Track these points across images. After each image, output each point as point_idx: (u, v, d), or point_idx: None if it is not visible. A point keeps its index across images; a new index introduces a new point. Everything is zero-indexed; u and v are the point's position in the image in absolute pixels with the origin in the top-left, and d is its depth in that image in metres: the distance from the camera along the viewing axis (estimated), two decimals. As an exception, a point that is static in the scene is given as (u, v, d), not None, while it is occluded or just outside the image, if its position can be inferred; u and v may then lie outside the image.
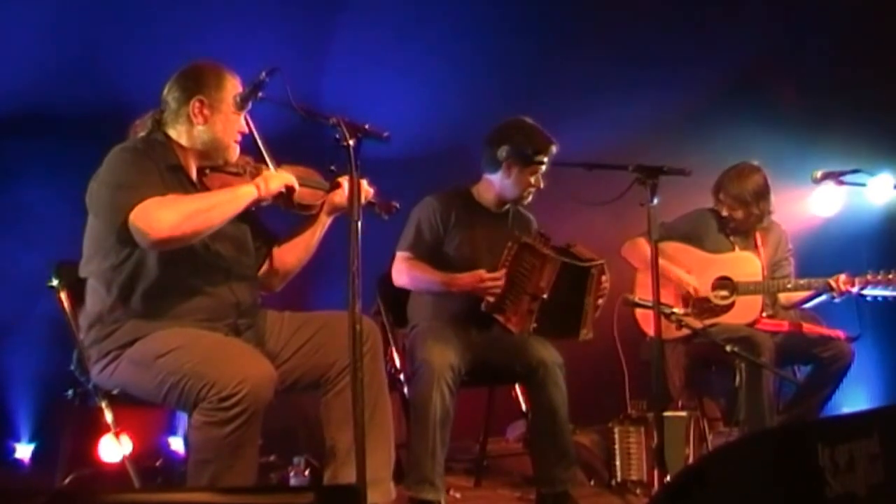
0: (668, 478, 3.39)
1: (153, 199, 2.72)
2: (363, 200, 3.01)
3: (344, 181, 3.07)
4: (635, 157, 3.44)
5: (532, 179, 3.86)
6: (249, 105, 2.95)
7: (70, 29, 4.65)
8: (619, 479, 4.09)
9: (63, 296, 3.13)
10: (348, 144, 2.62)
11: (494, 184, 3.95)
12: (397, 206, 3.19)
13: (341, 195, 3.11)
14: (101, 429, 3.05)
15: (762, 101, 5.52)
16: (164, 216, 2.70)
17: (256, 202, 2.91)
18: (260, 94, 2.87)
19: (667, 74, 5.45)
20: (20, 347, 4.62)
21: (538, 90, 5.37)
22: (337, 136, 2.63)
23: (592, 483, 4.20)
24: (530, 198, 3.94)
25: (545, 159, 3.84)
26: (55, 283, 3.14)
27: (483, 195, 4.01)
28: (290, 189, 2.98)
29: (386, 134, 2.71)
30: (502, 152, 3.83)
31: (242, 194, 2.88)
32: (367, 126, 2.67)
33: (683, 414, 4.11)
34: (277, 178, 2.95)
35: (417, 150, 4.93)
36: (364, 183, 3.05)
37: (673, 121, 5.52)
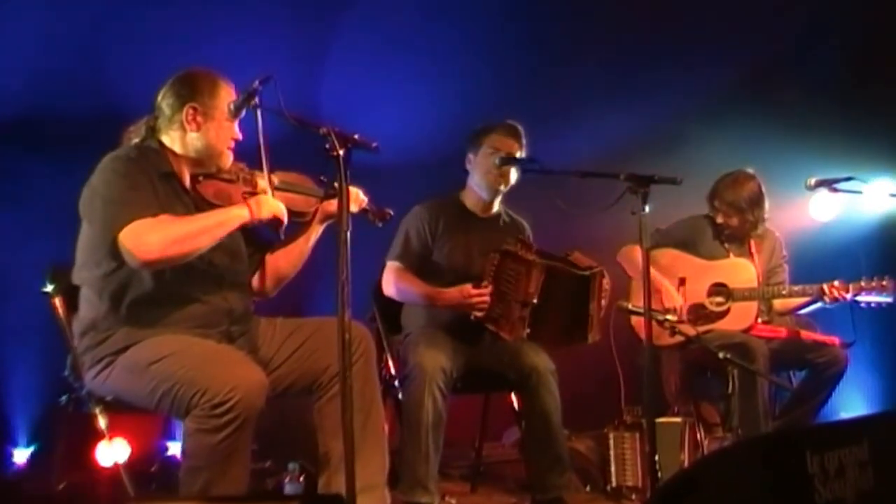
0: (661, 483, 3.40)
1: (143, 222, 2.73)
2: (357, 208, 3.02)
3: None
4: (631, 164, 3.45)
5: (492, 161, 3.88)
6: (243, 113, 2.95)
7: (67, 34, 4.66)
8: (614, 485, 4.08)
9: (57, 301, 3.12)
10: (338, 154, 2.63)
11: (471, 185, 4.04)
12: (391, 213, 3.19)
13: (335, 203, 3.11)
14: (97, 434, 3.04)
15: (757, 108, 5.52)
16: (152, 239, 2.71)
17: (247, 225, 2.91)
18: (253, 102, 2.87)
19: (663, 83, 5.46)
20: (18, 352, 4.63)
21: (534, 98, 5.38)
22: (327, 145, 2.64)
23: (588, 489, 4.19)
24: (502, 186, 3.96)
25: (495, 137, 3.93)
26: (49, 288, 3.13)
27: (469, 201, 4.07)
28: (278, 219, 2.95)
29: (375, 144, 2.71)
30: (466, 150, 4.01)
31: (233, 217, 2.88)
32: (356, 136, 2.67)
33: (678, 420, 4.11)
34: (268, 206, 2.93)
35: (413, 159, 4.94)
36: (359, 192, 3.07)
37: (669, 128, 5.53)
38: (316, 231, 3.19)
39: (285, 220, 2.98)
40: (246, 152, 3.05)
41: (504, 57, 5.47)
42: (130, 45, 4.67)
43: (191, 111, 2.95)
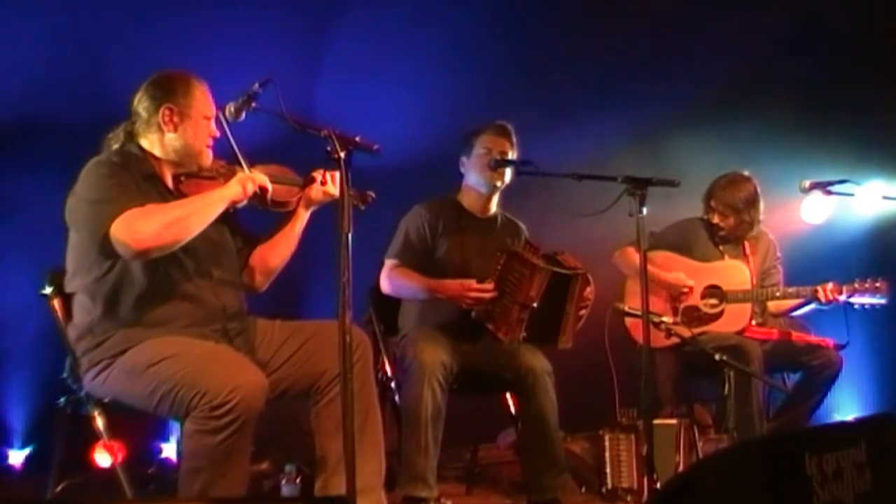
0: (658, 486, 3.41)
1: (133, 211, 2.74)
2: (335, 189, 3.03)
3: (317, 175, 3.14)
4: (621, 168, 3.46)
5: (486, 162, 3.92)
6: (243, 116, 2.95)
7: (65, 38, 4.66)
8: (609, 487, 4.08)
9: (56, 303, 3.11)
10: (339, 157, 2.64)
11: (468, 185, 4.07)
12: (373, 195, 3.18)
13: (316, 189, 3.16)
14: (95, 436, 3.04)
15: (752, 111, 5.54)
16: (144, 227, 2.72)
17: (234, 203, 2.94)
18: (253, 104, 2.89)
19: (657, 86, 5.48)
20: (14, 353, 4.62)
21: (529, 100, 5.40)
22: (328, 148, 2.65)
23: (583, 490, 4.20)
24: (499, 183, 3.97)
25: (487, 137, 3.96)
26: (48, 290, 3.13)
27: (466, 201, 4.09)
28: (263, 189, 3.00)
29: (376, 147, 2.73)
30: (459, 152, 4.04)
31: (220, 197, 2.90)
32: (357, 138, 2.69)
33: (673, 422, 4.11)
34: (251, 179, 2.97)
35: (409, 160, 4.94)
36: (337, 175, 3.05)
37: (660, 132, 5.55)
38: (301, 218, 3.21)
39: (269, 186, 3.01)
40: (224, 150, 3.07)
41: (501, 59, 5.48)
42: (129, 51, 4.66)
43: (167, 112, 2.97)
